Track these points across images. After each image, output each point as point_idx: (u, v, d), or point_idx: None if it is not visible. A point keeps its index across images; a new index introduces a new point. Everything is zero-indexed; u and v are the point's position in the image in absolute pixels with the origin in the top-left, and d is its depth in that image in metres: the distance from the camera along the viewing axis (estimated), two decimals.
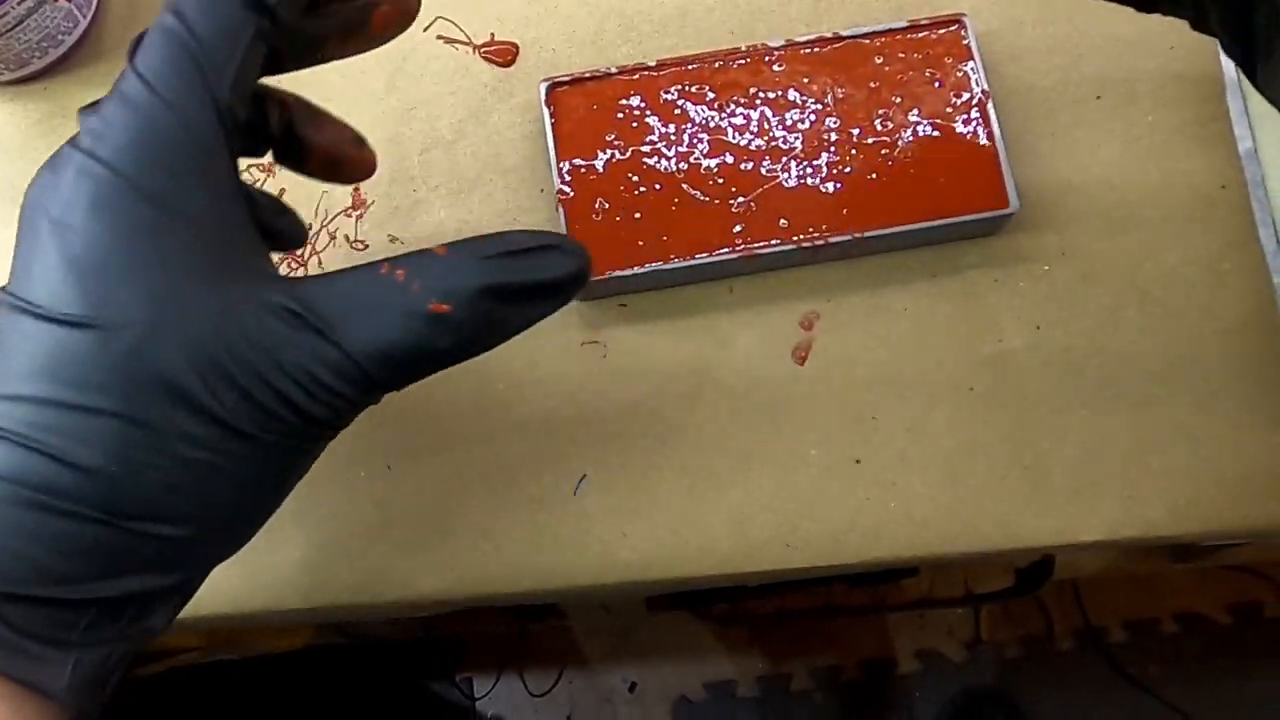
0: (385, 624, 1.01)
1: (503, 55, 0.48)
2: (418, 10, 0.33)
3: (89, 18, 0.48)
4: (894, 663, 1.34)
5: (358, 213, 0.46)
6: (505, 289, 0.29)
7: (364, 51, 0.32)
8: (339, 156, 0.33)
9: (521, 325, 0.30)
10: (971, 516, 0.42)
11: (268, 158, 0.32)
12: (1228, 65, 0.47)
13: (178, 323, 0.25)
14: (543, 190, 0.46)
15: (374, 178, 0.44)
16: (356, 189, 0.46)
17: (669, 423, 0.44)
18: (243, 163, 0.29)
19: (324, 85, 0.48)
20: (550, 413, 0.44)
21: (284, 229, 0.33)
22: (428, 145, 0.47)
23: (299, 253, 0.46)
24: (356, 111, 0.47)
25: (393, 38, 0.33)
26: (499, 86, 0.47)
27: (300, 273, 0.46)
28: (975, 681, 1.34)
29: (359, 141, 0.34)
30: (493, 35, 0.48)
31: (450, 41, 0.48)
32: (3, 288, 0.26)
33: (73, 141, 0.27)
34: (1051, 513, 0.42)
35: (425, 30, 0.48)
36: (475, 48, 0.48)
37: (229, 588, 0.42)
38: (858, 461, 0.43)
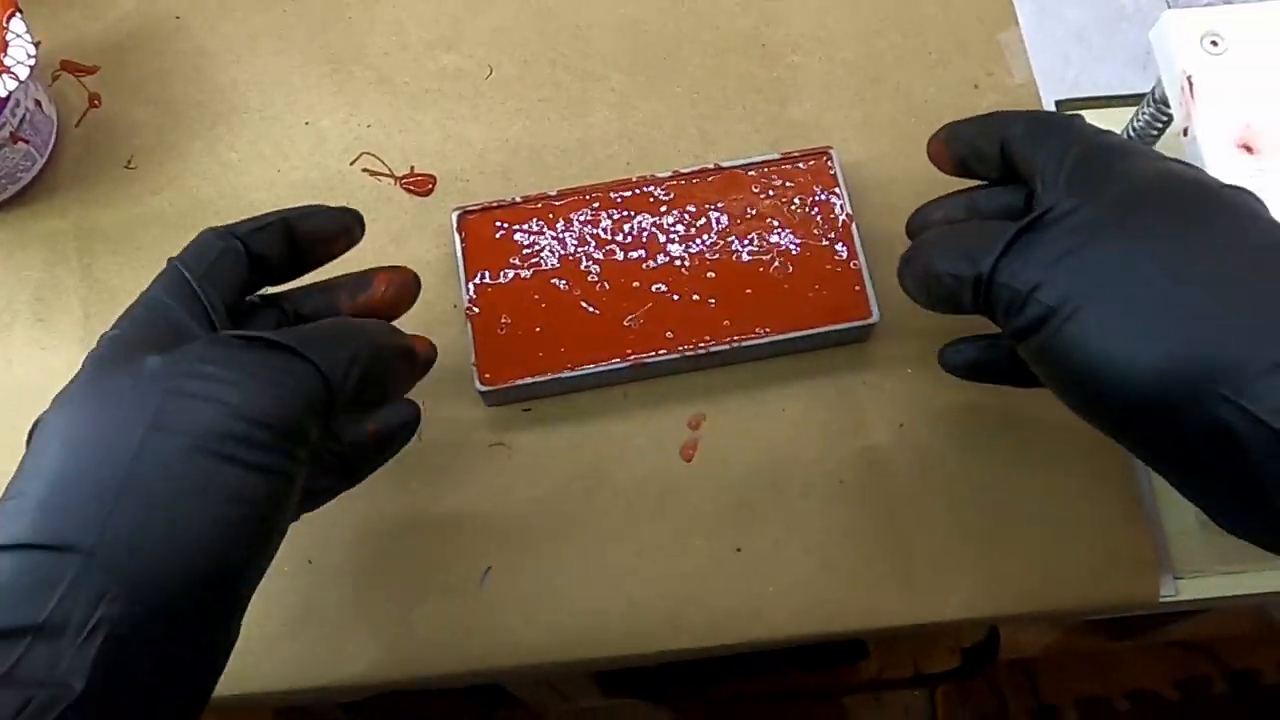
0: (344, 711, 1.03)
1: (421, 186, 0.53)
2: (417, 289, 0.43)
3: (45, 157, 0.53)
4: None
5: None
6: None
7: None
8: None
9: None
10: (843, 598, 0.47)
11: None
12: None
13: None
14: (455, 306, 0.51)
15: None
16: None
17: (569, 517, 0.48)
18: None
19: (259, 211, 0.53)
20: (460, 509, 0.48)
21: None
22: (351, 268, 0.52)
23: None
24: None
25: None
26: (418, 213, 0.53)
27: None
28: None
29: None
30: (412, 168, 0.54)
31: (374, 174, 0.54)
32: None
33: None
34: (915, 595, 0.47)
35: (351, 164, 0.54)
36: (396, 179, 0.53)
37: None
38: (739, 550, 0.47)
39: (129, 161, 0.54)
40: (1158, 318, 0.32)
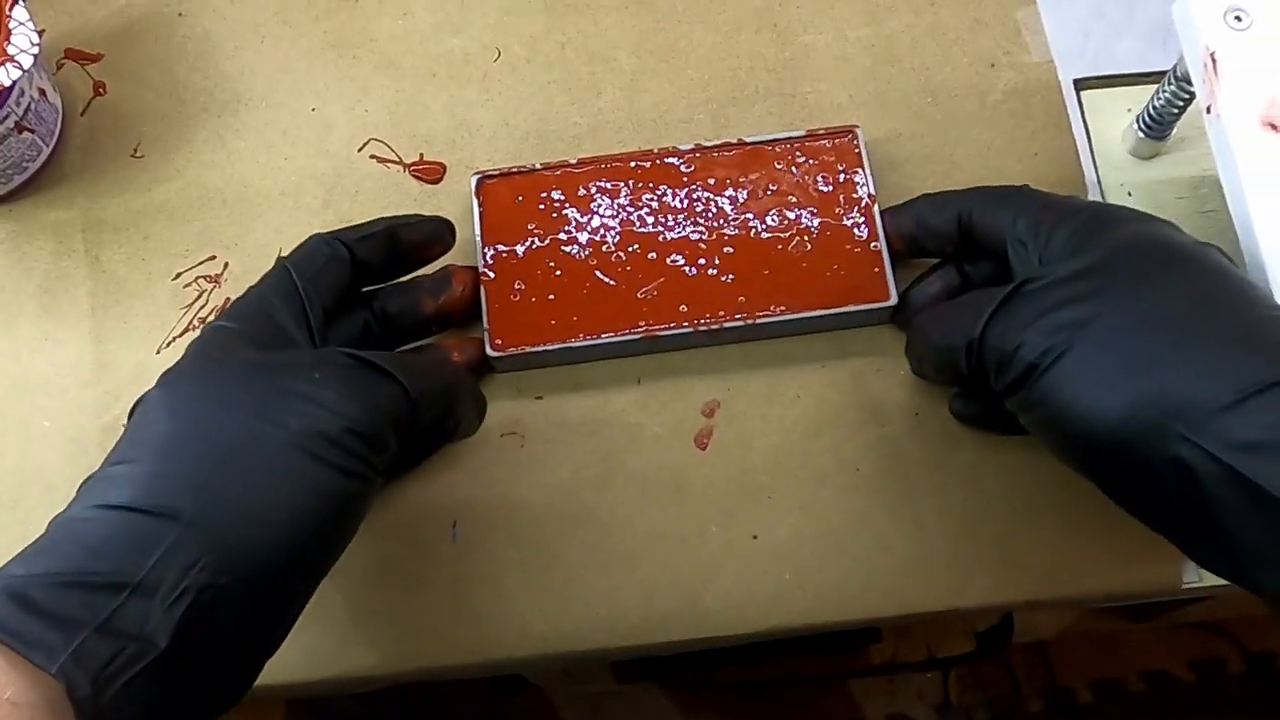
0: (354, 702, 1.03)
1: (431, 174, 0.52)
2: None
3: (51, 146, 0.53)
4: None
5: None
6: None
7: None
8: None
9: None
10: (860, 586, 0.46)
11: None
12: (1088, 166, 0.51)
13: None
14: None
15: None
16: None
17: (582, 505, 0.47)
18: None
19: (266, 200, 0.52)
20: (472, 498, 0.48)
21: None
22: None
23: None
24: (294, 224, 0.52)
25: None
26: (427, 201, 0.52)
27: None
28: None
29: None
30: (421, 155, 0.53)
31: (382, 161, 0.53)
32: None
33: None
34: (934, 581, 0.46)
35: (360, 150, 0.53)
36: (405, 167, 0.53)
37: None
38: (755, 537, 0.47)
39: (135, 150, 0.54)
40: (1124, 366, 0.35)
